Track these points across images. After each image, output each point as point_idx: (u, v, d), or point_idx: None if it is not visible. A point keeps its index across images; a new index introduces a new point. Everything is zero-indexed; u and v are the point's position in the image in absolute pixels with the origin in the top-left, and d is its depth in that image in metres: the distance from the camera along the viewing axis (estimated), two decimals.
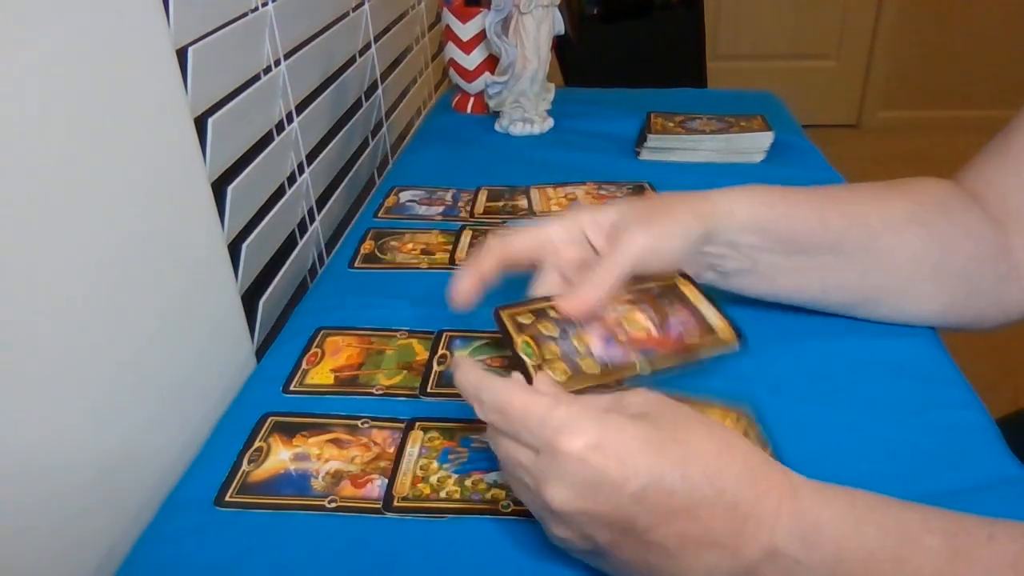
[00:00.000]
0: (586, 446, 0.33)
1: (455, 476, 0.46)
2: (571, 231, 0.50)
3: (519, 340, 0.45)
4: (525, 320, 0.47)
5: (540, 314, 0.47)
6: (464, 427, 0.49)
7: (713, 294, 0.50)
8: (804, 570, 0.33)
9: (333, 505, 0.44)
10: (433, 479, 0.45)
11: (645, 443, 0.34)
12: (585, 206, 0.53)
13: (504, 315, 0.47)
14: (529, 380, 0.41)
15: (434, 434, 0.49)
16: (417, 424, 0.50)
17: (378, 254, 0.71)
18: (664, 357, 0.46)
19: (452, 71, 1.05)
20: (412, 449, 0.48)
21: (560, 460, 0.33)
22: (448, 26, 1.00)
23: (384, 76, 0.96)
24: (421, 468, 0.46)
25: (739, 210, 0.50)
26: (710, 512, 0.33)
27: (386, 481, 0.45)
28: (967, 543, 0.32)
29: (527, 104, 0.96)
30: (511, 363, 0.44)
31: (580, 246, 0.50)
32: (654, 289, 0.50)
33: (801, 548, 0.33)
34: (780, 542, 0.33)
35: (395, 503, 0.44)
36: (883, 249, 0.52)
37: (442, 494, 0.44)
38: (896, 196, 0.54)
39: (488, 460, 0.46)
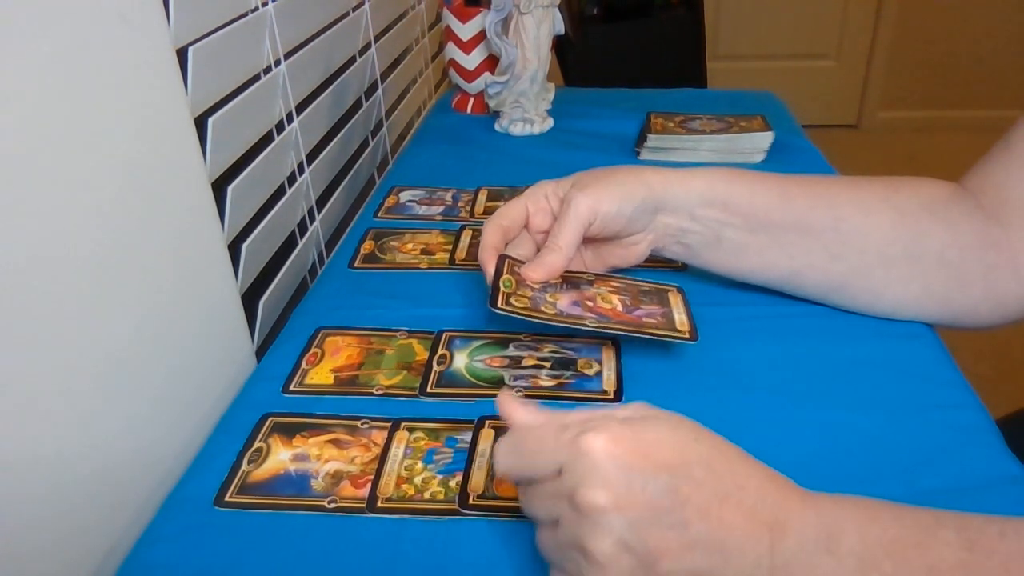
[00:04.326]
0: (609, 439, 0.33)
1: (439, 477, 0.45)
2: (538, 201, 0.56)
3: (505, 276, 0.52)
4: (520, 269, 0.54)
5: None
6: (449, 427, 0.49)
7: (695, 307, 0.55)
8: (832, 561, 0.33)
9: (333, 505, 0.44)
10: (417, 480, 0.45)
11: (667, 440, 0.34)
12: (550, 180, 0.57)
13: (507, 261, 0.54)
14: (495, 300, 0.49)
15: (420, 434, 0.49)
16: (403, 424, 0.50)
17: (378, 254, 0.71)
18: (615, 323, 0.51)
19: (452, 71, 1.05)
20: (397, 449, 0.48)
21: (588, 459, 0.33)
22: (448, 26, 1.00)
23: (384, 76, 0.96)
24: (406, 469, 0.46)
25: (695, 184, 0.54)
26: (737, 504, 0.33)
27: None
28: (980, 536, 0.33)
29: (527, 104, 0.96)
30: (490, 297, 0.50)
31: (546, 214, 0.56)
32: (646, 288, 0.56)
33: (828, 540, 0.33)
34: (807, 537, 0.33)
35: (379, 504, 0.44)
36: (850, 230, 0.53)
37: (426, 495, 0.44)
38: (872, 184, 0.55)
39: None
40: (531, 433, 0.36)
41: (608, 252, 0.58)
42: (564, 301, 0.52)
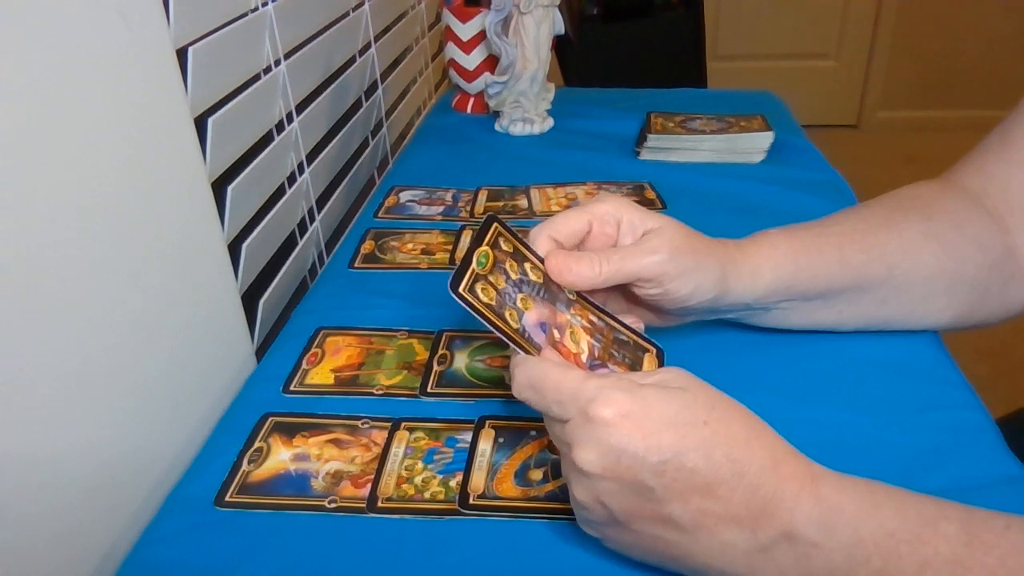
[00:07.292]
0: (616, 414, 0.35)
1: (440, 477, 0.46)
2: (605, 224, 0.47)
3: (483, 248, 0.42)
4: (505, 246, 0.44)
5: (519, 256, 0.44)
6: (449, 427, 0.49)
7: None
8: (821, 553, 0.33)
9: (333, 505, 0.44)
10: (418, 480, 0.45)
11: (674, 420, 0.35)
12: (634, 205, 0.48)
13: (495, 226, 0.44)
14: (457, 283, 0.39)
15: (420, 434, 0.49)
16: (403, 424, 0.50)
17: (378, 254, 0.71)
18: None
19: (452, 71, 1.05)
20: (397, 449, 0.48)
21: (591, 425, 0.35)
22: (448, 26, 1.00)
23: (384, 76, 0.96)
24: (406, 469, 0.46)
25: (764, 279, 0.49)
26: (729, 491, 0.34)
27: None
28: (983, 530, 0.33)
29: (527, 104, 0.96)
30: (461, 260, 0.41)
31: (608, 243, 0.47)
32: (624, 339, 0.47)
33: (819, 532, 0.34)
34: (799, 525, 0.34)
35: (379, 504, 0.44)
36: (901, 276, 0.51)
37: (426, 495, 0.44)
38: (910, 216, 0.53)
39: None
40: (551, 377, 0.37)
41: (638, 306, 0.51)
42: (533, 316, 0.42)
